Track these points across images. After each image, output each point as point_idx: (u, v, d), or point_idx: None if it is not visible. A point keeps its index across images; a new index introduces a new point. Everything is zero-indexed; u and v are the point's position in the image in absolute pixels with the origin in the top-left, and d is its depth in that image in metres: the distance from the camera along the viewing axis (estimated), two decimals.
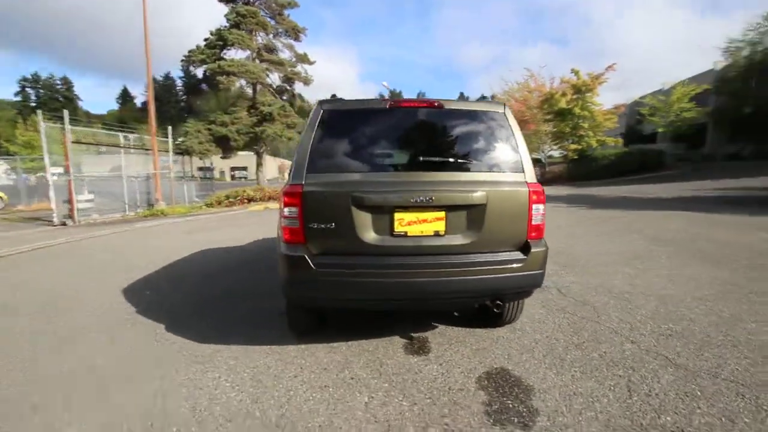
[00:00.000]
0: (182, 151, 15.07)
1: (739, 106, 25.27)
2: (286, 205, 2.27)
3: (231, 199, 14.54)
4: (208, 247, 6.54)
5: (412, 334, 2.93)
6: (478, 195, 2.26)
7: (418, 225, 2.25)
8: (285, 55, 17.70)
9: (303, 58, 17.95)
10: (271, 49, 17.50)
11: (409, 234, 2.25)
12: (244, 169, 51.20)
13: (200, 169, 29.22)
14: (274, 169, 50.30)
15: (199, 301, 3.79)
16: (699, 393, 2.09)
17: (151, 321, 3.31)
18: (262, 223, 9.73)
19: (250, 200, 14.54)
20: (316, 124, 2.34)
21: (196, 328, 3.13)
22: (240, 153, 21.88)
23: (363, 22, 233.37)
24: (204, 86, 21.13)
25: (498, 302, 2.48)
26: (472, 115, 2.43)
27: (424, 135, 2.40)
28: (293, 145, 18.04)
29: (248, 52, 16.30)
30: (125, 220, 11.21)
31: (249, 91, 17.56)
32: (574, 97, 24.46)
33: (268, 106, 15.72)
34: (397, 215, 2.24)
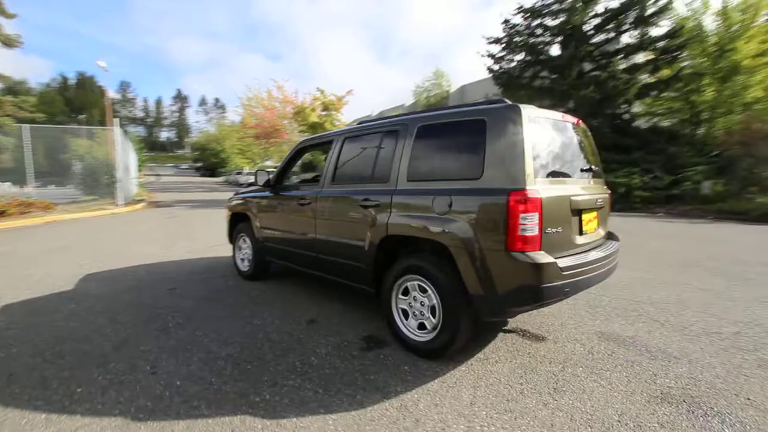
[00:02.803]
0: None
1: None
2: (524, 212, 2.15)
3: None
4: (34, 294, 3.84)
5: (505, 328, 3.20)
6: (607, 197, 2.89)
7: (590, 224, 2.65)
8: None
9: None
10: None
11: (587, 232, 2.62)
12: None
13: None
14: None
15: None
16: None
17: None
18: (44, 251, 6.17)
19: None
20: (525, 126, 2.30)
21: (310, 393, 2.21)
22: None
23: None
24: None
25: None
26: (586, 129, 3.00)
27: (581, 145, 2.78)
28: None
29: None
30: None
31: None
32: (324, 113, 27.37)
33: None
34: (584, 216, 2.56)
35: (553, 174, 2.45)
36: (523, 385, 2.36)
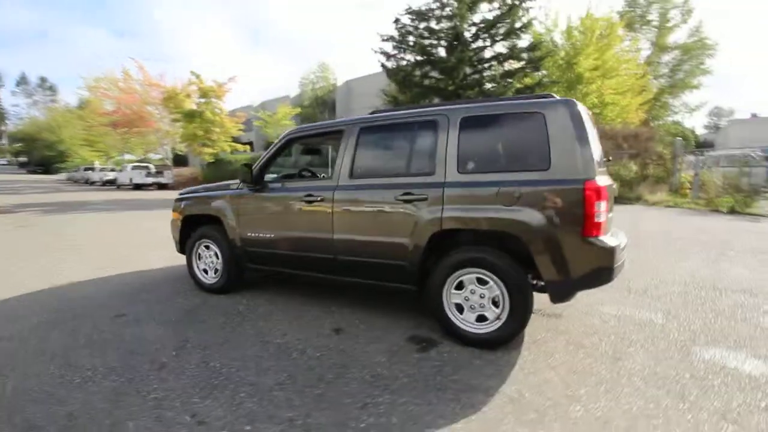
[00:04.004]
0: None
1: None
2: (597, 200, 2.33)
3: None
4: None
5: None
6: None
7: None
8: None
9: None
10: None
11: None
12: None
13: None
14: None
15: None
16: None
17: None
18: None
19: None
20: (585, 119, 2.47)
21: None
22: None
23: None
24: None
25: None
26: None
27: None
28: None
29: None
30: None
31: None
32: (203, 100, 24.61)
33: None
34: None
35: (600, 165, 2.69)
36: (587, 359, 2.56)
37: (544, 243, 2.41)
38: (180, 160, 35.82)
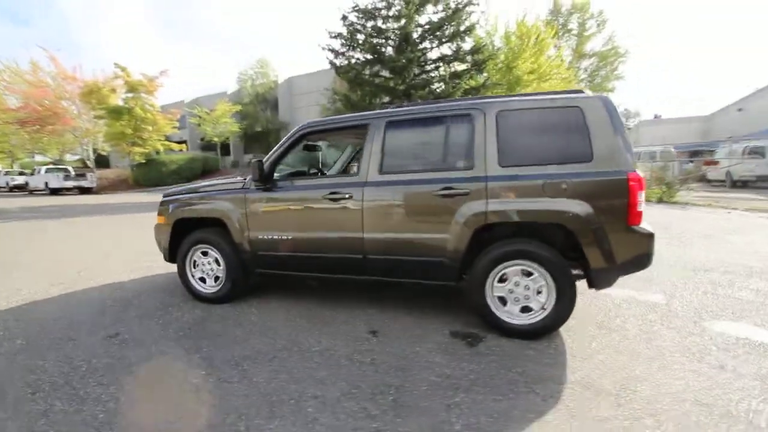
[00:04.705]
0: None
1: (252, 125, 33.10)
2: (639, 190, 2.46)
3: None
4: None
5: None
6: None
7: None
8: None
9: None
10: None
11: None
12: None
13: None
14: None
15: None
16: None
17: None
18: None
19: None
20: (619, 113, 2.60)
21: None
22: None
23: None
24: None
25: None
26: None
27: None
28: None
29: None
30: None
31: None
32: (130, 95, 22.50)
33: None
34: None
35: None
36: (624, 340, 2.71)
37: (593, 233, 2.50)
38: (101, 161, 32.42)
